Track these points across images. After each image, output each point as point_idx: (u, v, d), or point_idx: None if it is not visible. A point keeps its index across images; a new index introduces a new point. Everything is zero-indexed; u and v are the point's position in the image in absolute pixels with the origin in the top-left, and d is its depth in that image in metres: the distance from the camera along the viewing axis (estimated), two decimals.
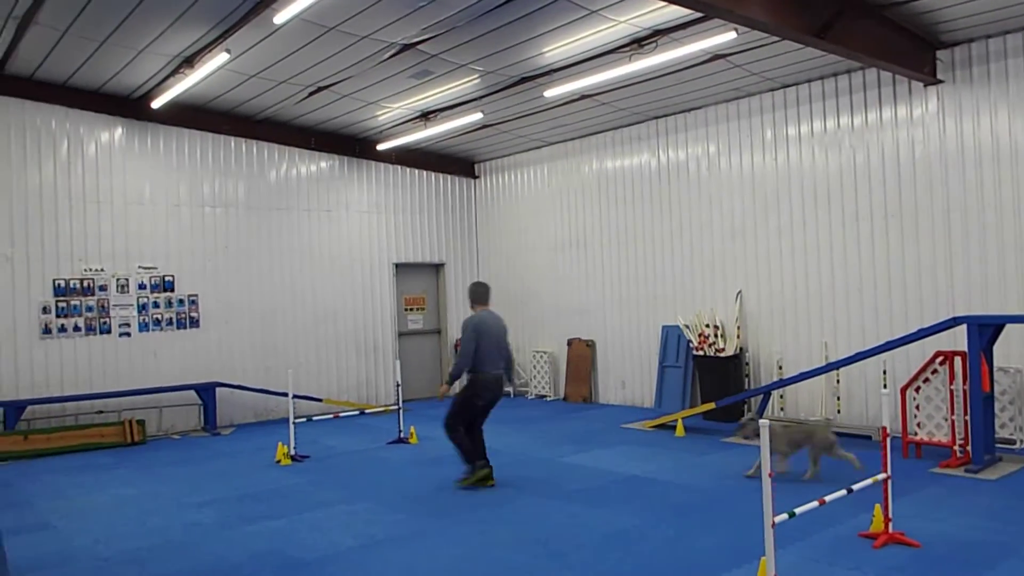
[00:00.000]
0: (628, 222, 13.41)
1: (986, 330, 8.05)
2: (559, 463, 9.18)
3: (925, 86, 9.86)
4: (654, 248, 12.99)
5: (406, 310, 15.44)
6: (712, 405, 10.52)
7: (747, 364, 11.61)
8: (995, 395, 8.76)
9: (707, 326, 11.67)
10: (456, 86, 11.26)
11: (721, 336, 11.58)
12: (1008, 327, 8.37)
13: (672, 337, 12.36)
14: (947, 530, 6.11)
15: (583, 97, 11.78)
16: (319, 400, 13.03)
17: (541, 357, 14.82)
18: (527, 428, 11.63)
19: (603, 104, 12.15)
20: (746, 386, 11.48)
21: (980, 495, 7.14)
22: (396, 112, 12.56)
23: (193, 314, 12.54)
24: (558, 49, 9.85)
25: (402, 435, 10.84)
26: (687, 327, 11.97)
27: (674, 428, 10.74)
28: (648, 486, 7.94)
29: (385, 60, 10.12)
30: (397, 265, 15.12)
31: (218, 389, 12.27)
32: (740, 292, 11.67)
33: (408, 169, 15.32)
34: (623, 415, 12.37)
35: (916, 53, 9.44)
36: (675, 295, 12.65)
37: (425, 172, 15.58)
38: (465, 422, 8.22)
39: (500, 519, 6.94)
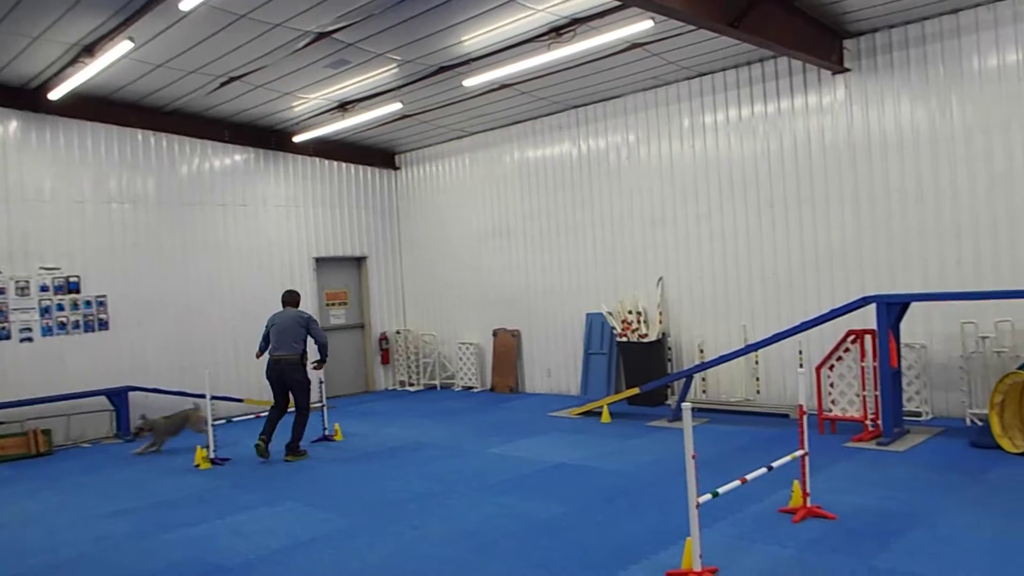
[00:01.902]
0: (551, 211, 13.46)
1: (893, 309, 8.38)
2: (487, 454, 9.16)
3: (833, 74, 10.17)
4: (576, 236, 13.08)
5: (328, 305, 15.17)
6: (636, 390, 10.67)
7: (670, 349, 11.82)
8: (902, 370, 9.14)
9: (630, 312, 11.81)
10: (374, 76, 11.08)
11: (644, 322, 11.75)
12: (913, 305, 8.73)
13: (596, 324, 12.47)
14: (861, 502, 6.33)
15: (503, 86, 11.75)
16: (240, 400, 12.68)
17: (467, 348, 14.77)
18: (454, 420, 11.58)
19: (523, 93, 12.14)
20: (669, 370, 11.69)
21: (890, 467, 7.43)
22: (313, 103, 12.28)
23: (102, 316, 12.02)
24: (477, 38, 9.78)
25: (327, 432, 10.65)
26: (610, 314, 12.10)
27: (600, 414, 10.85)
28: (576, 473, 7.99)
29: (299, 49, 9.87)
30: (318, 259, 14.83)
31: (131, 393, 11.80)
32: (661, 278, 11.85)
33: (327, 161, 15.03)
34: (550, 403, 12.44)
35: (824, 42, 9.72)
36: (598, 283, 12.77)
37: (345, 164, 15.31)
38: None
39: (430, 513, 6.88)
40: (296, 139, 13.86)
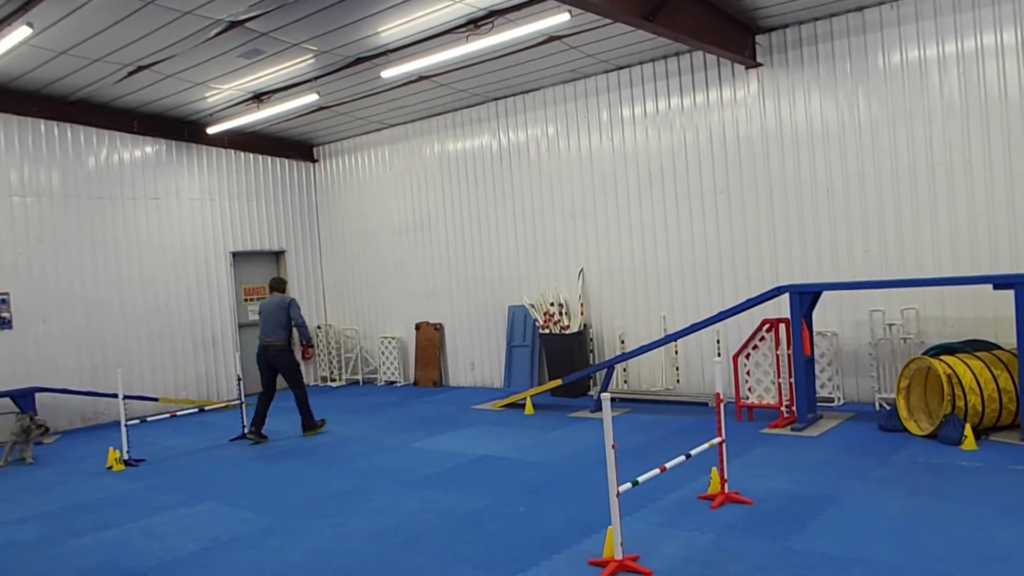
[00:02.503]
0: (472, 204, 13.42)
1: (806, 298, 8.64)
2: (410, 448, 9.09)
3: (747, 69, 10.41)
4: (498, 229, 13.08)
5: (246, 300, 14.78)
6: (559, 381, 10.74)
7: (591, 340, 11.95)
8: (815, 358, 9.45)
9: (552, 304, 11.89)
10: (289, 66, 10.82)
11: (566, 314, 11.84)
12: (825, 294, 9.02)
13: (519, 317, 12.51)
14: (776, 486, 6.52)
15: (422, 78, 11.64)
16: (154, 399, 12.27)
17: (389, 343, 14.62)
18: (377, 415, 11.45)
19: (442, 85, 12.05)
20: (591, 361, 11.81)
21: (804, 451, 7.67)
22: (227, 93, 11.92)
23: (4, 314, 11.44)
24: (394, 29, 9.66)
25: (246, 430, 10.39)
26: (532, 306, 12.15)
27: (523, 406, 10.88)
28: (499, 465, 8.00)
29: (212, 38, 9.55)
30: (235, 254, 14.44)
31: (38, 394, 11.27)
32: (582, 270, 11.95)
33: (242, 153, 14.63)
34: (473, 396, 12.43)
35: (738, 37, 9.94)
36: (520, 275, 12.81)
37: (261, 156, 14.94)
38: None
39: (353, 509, 6.78)
40: (210, 130, 13.44)
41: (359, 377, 15.15)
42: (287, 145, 15.28)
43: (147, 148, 13.25)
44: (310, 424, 10.33)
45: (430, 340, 14.04)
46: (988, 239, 8.88)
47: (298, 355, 10.78)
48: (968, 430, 7.30)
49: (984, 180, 8.90)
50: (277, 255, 15.32)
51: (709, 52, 9.89)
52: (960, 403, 7.45)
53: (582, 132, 12.03)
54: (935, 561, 4.79)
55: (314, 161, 15.85)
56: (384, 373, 14.75)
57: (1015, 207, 8.74)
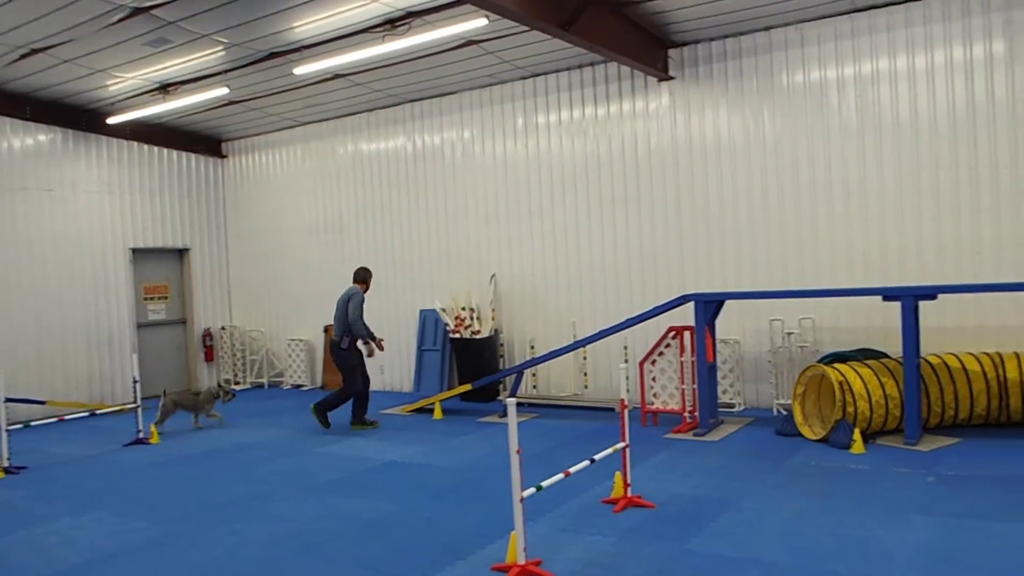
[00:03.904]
0: (385, 206, 13.28)
1: (710, 306, 8.87)
2: (315, 454, 8.90)
3: (659, 81, 10.64)
4: (411, 232, 12.98)
5: (146, 299, 14.22)
6: (468, 386, 10.72)
7: (502, 345, 11.97)
8: (718, 365, 9.70)
9: (463, 309, 11.85)
10: (198, 58, 10.47)
11: (477, 318, 11.82)
12: (728, 303, 9.28)
13: (430, 321, 12.42)
14: (678, 490, 6.65)
15: (337, 76, 11.45)
16: (41, 403, 11.63)
17: (297, 345, 14.30)
18: (281, 420, 11.18)
19: (358, 85, 11.89)
20: (500, 366, 11.82)
21: (706, 455, 7.86)
22: (130, 83, 11.45)
23: None
24: (309, 25, 9.47)
25: (141, 435, 9.97)
26: (444, 310, 12.09)
27: (432, 411, 10.81)
28: (406, 471, 7.91)
29: (113, 24, 9.15)
30: (134, 250, 13.87)
31: None
32: (494, 275, 11.97)
33: (146, 146, 14.08)
34: (382, 400, 12.26)
35: (651, 50, 10.14)
36: (432, 279, 12.74)
37: (166, 150, 14.41)
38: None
39: (252, 516, 6.58)
40: (111, 120, 12.87)
41: (264, 380, 14.77)
42: (194, 139, 14.79)
43: (41, 136, 12.60)
44: (359, 420, 10.24)
45: None
46: (879, 253, 9.32)
47: (370, 349, 10.31)
48: (857, 434, 7.62)
49: (876, 197, 9.34)
50: (181, 253, 14.80)
51: (623, 63, 10.06)
52: (850, 409, 7.77)
53: (497, 137, 12.06)
54: (824, 560, 4.97)
55: (223, 157, 15.39)
56: (291, 376, 14.42)
57: (904, 223, 9.19)
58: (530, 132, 11.75)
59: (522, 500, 4.87)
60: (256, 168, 15.04)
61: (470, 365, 11.64)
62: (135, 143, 13.86)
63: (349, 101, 12.80)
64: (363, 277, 10.48)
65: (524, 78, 11.71)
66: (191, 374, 14.85)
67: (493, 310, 11.87)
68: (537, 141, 11.69)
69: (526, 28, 9.32)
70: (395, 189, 13.17)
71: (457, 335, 11.82)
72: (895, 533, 5.38)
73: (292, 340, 14.37)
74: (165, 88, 11.70)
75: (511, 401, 4.84)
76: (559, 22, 8.36)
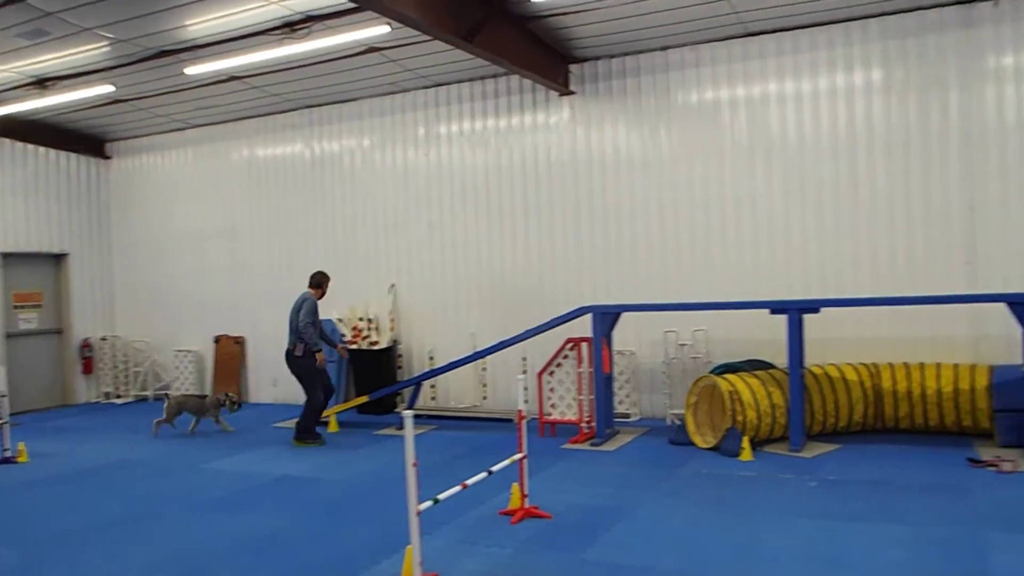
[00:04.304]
0: (281, 212, 12.94)
1: (607, 318, 9.00)
2: (201, 470, 8.53)
3: (560, 96, 10.78)
4: (307, 240, 12.69)
5: (16, 308, 13.34)
6: (365, 398, 10.54)
7: (400, 356, 11.82)
8: (615, 375, 9.86)
9: (361, 319, 11.65)
10: (80, 52, 9.93)
11: (375, 329, 11.64)
12: (625, 314, 9.44)
13: (327, 331, 12.12)
14: (574, 500, 6.70)
15: (232, 78, 11.10)
16: None
17: (185, 356, 13.73)
18: (167, 435, 10.65)
19: (254, 88, 11.56)
20: (398, 378, 11.67)
21: (602, 465, 7.95)
22: (2, 75, 10.76)
23: None
24: (202, 24, 9.14)
25: (8, 454, 9.32)
26: (341, 320, 11.85)
27: (327, 424, 10.55)
28: (298, 486, 7.68)
29: None
30: (5, 255, 13.02)
31: None
32: (394, 285, 11.83)
33: (19, 143, 13.26)
34: (275, 414, 11.91)
35: (553, 65, 10.27)
36: (329, 288, 12.42)
37: (42, 148, 13.61)
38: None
39: (132, 538, 6.23)
40: None
41: (149, 393, 14.10)
42: (75, 138, 14.04)
43: None
44: (304, 433, 9.59)
45: (230, 354, 13.33)
46: (768, 268, 9.70)
47: (321, 358, 9.84)
48: (746, 442, 7.87)
49: (765, 214, 9.72)
50: (58, 258, 13.99)
51: (525, 76, 10.14)
52: (740, 418, 8.02)
53: (398, 146, 11.95)
54: (714, 566, 5.09)
55: (107, 158, 14.66)
56: (178, 389, 13.81)
57: (790, 239, 9.60)
58: (432, 142, 11.70)
59: (418, 513, 4.78)
60: (144, 171, 14.39)
61: (367, 377, 11.44)
62: (7, 140, 13.05)
63: (244, 104, 12.44)
64: (317, 282, 10.02)
65: (426, 87, 11.66)
66: (67, 387, 14.02)
67: (392, 321, 11.72)
68: (439, 151, 11.65)
69: (429, 37, 9.27)
70: (292, 196, 12.85)
71: (354, 346, 11.60)
72: (780, 537, 5.57)
73: (180, 351, 13.78)
74: (42, 83, 11.05)
75: (408, 413, 4.76)
76: (461, 33, 8.37)
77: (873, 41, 9.24)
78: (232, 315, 13.40)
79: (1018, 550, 5.13)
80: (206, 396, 10.94)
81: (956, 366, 8.42)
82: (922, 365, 8.59)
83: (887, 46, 9.19)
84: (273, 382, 12.99)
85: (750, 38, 9.76)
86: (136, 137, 14.30)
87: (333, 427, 10.45)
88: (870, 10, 9.10)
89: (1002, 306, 7.64)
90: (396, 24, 8.65)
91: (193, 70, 10.15)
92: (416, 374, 11.47)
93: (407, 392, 10.70)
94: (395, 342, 11.73)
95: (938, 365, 8.51)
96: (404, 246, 11.88)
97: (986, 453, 7.59)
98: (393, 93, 11.91)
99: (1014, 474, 6.95)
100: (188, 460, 9.00)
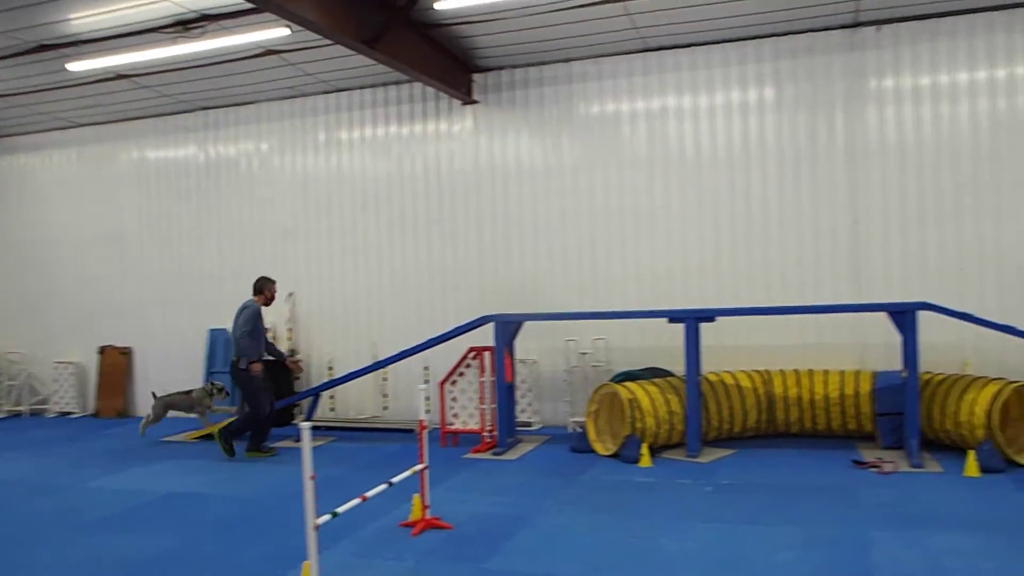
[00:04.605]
0: (173, 218, 12.44)
1: (509, 327, 9.02)
2: (84, 488, 8.05)
3: (463, 104, 10.77)
4: (201, 246, 12.24)
5: None
6: None
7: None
8: (516, 384, 9.86)
9: None
10: None
11: (272, 339, 11.29)
12: (526, 324, 9.47)
13: (220, 341, 11.74)
14: (476, 510, 6.65)
15: (120, 77, 10.62)
16: None
17: (65, 369, 12.98)
18: (45, 451, 10.04)
19: (145, 87, 11.09)
20: (296, 389, 11.35)
21: (503, 474, 7.94)
22: None
23: None
24: (87, 18, 8.70)
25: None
26: None
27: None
28: (189, 503, 7.35)
29: None
30: None
31: None
32: (292, 294, 11.53)
33: None
34: (164, 428, 11.33)
35: (456, 73, 10.25)
36: (224, 296, 11.97)
37: None
38: None
39: (5, 563, 5.81)
40: None
41: (24, 408, 13.25)
42: None
43: None
44: (254, 445, 9.22)
45: (116, 366, 12.70)
46: (666, 277, 9.93)
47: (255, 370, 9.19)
48: (645, 449, 8.01)
49: (663, 225, 9.96)
50: None
51: (428, 84, 10.09)
52: (639, 425, 8.16)
53: (298, 151, 11.68)
54: (614, 571, 5.14)
55: None
56: (57, 403, 13.05)
57: (687, 250, 9.87)
58: (332, 148, 11.48)
59: (316, 528, 4.64)
60: (21, 172, 13.57)
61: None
62: None
63: (134, 104, 11.91)
64: (259, 287, 9.48)
65: (327, 92, 11.44)
66: None
67: (290, 330, 11.41)
68: (339, 157, 11.44)
69: (330, 42, 9.11)
70: (184, 200, 12.37)
71: None
72: (677, 541, 5.67)
73: (60, 363, 13.03)
74: None
75: (305, 425, 4.62)
76: (364, 38, 8.25)
77: (766, 60, 9.61)
78: (118, 325, 12.76)
79: (898, 546, 5.38)
80: (191, 391, 10.53)
81: (842, 372, 8.82)
82: (811, 372, 8.96)
83: (779, 66, 9.57)
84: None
85: (650, 53, 10.00)
86: (14, 135, 13.48)
87: None
88: (763, 31, 9.46)
89: (883, 315, 8.05)
90: (296, 27, 8.45)
91: (76, 66, 9.65)
92: (315, 384, 11.20)
93: (305, 404, 10.44)
94: (293, 351, 11.42)
95: (825, 372, 8.89)
96: (303, 254, 11.60)
97: (869, 455, 7.96)
98: (292, 97, 11.64)
99: (894, 474, 7.31)
100: (71, 478, 8.49)
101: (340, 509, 5.04)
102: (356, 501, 5.26)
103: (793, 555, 5.30)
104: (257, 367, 9.11)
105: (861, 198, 9.34)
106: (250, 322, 9.16)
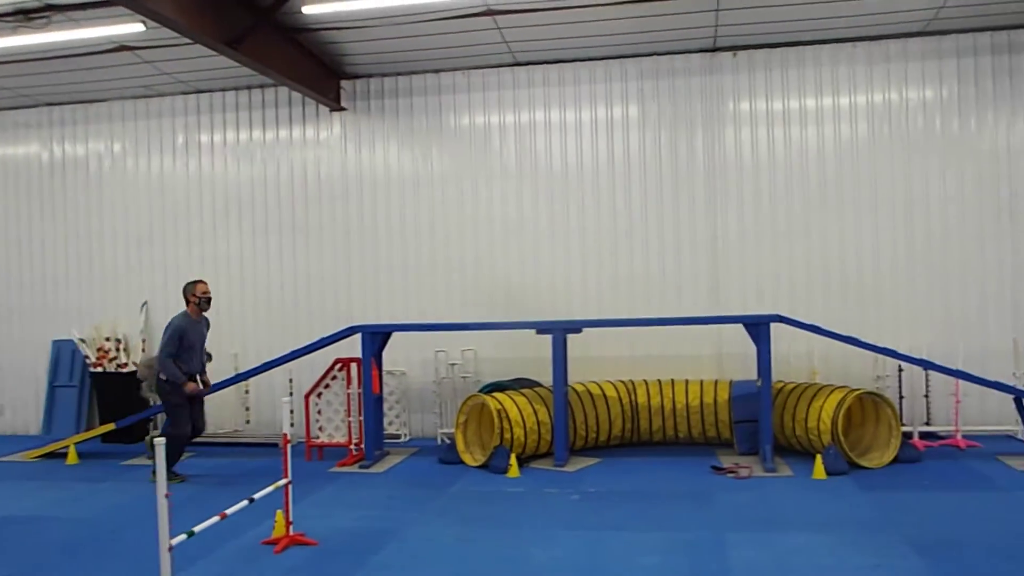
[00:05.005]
0: (10, 220, 11.57)
1: (376, 338, 8.88)
2: None
3: (331, 111, 10.57)
4: (44, 251, 11.42)
5: None
6: (112, 426, 9.60)
7: None
8: (384, 396, 9.73)
9: (108, 340, 10.65)
10: None
11: (124, 350, 10.69)
12: (395, 334, 9.36)
13: (65, 353, 10.98)
14: (342, 524, 6.49)
15: None
16: None
17: None
18: None
19: None
20: (151, 403, 10.75)
21: (371, 488, 7.79)
22: None
23: None
24: None
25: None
26: (83, 341, 10.75)
27: (66, 456, 9.48)
28: (28, 526, 6.81)
29: None
30: None
31: None
32: (146, 303, 10.94)
33: None
34: (1, 446, 10.52)
35: (324, 79, 10.05)
36: (70, 305, 11.27)
37: None
38: None
39: None
40: None
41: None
42: None
43: None
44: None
45: None
46: (534, 288, 10.09)
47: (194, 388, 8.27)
48: (513, 459, 8.07)
49: (532, 237, 10.12)
50: None
51: (295, 90, 9.84)
52: (508, 435, 8.21)
53: (154, 153, 11.12)
54: None
55: None
56: None
57: (555, 262, 10.07)
58: (192, 151, 11.00)
59: (171, 548, 4.40)
60: None
61: (114, 402, 10.45)
62: None
63: None
64: (185, 296, 8.41)
65: (187, 93, 10.95)
66: None
67: (143, 341, 10.81)
68: (199, 161, 10.97)
69: (189, 41, 8.72)
70: (24, 202, 11.51)
71: (99, 369, 10.57)
72: (545, 550, 5.73)
73: None
74: None
75: (160, 441, 4.37)
76: (226, 39, 7.96)
77: (631, 79, 9.96)
78: None
79: (753, 547, 5.65)
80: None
81: (702, 381, 9.20)
82: (672, 381, 9.30)
83: (643, 85, 9.94)
84: (0, 410, 11.51)
85: (519, 67, 10.15)
86: None
87: (72, 459, 9.40)
88: (629, 51, 9.80)
89: (740, 327, 8.46)
90: (152, 23, 8.04)
91: None
92: None
93: (160, 418, 9.90)
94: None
95: (686, 381, 9.25)
96: (160, 261, 11.03)
97: (727, 461, 8.33)
98: (148, 96, 11.07)
99: (749, 479, 7.68)
100: None
101: (197, 528, 4.81)
102: (215, 519, 5.03)
103: (655, 559, 5.46)
104: (192, 387, 8.17)
105: (719, 215, 9.81)
106: (170, 343, 8.11)
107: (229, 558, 5.72)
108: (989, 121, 9.41)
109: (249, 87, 10.77)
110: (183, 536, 4.59)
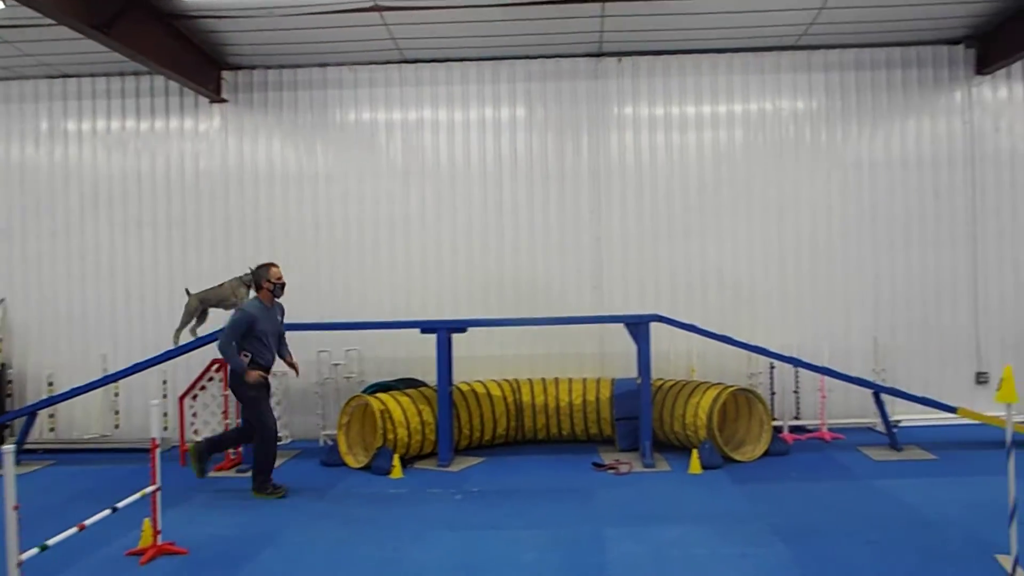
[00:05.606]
0: None
1: None
2: None
3: (211, 102, 10.19)
4: None
5: None
6: None
7: (10, 382, 10.20)
8: None
9: None
10: None
11: None
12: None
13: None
14: (216, 531, 6.25)
15: None
16: None
17: None
18: None
19: None
20: (8, 407, 10.08)
21: (249, 492, 7.50)
22: None
23: None
24: None
25: None
26: None
27: None
28: None
29: None
30: None
31: None
32: (3, 300, 10.23)
33: None
34: None
35: (203, 69, 9.68)
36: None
37: None
38: None
39: None
40: None
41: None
42: None
43: None
44: (261, 484, 7.31)
45: None
46: (420, 288, 10.02)
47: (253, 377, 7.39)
48: (396, 460, 7.98)
49: (418, 235, 10.07)
50: None
51: (171, 78, 9.43)
52: (391, 436, 8.12)
53: (13, 140, 10.42)
54: None
55: None
56: None
57: (441, 261, 10.04)
58: (57, 138, 10.37)
59: (20, 564, 4.11)
60: None
61: None
62: None
63: None
64: (257, 280, 7.67)
65: (52, 77, 10.32)
66: None
67: (0, 341, 10.11)
68: (66, 149, 10.36)
69: (53, 22, 8.21)
70: None
71: None
72: (426, 550, 5.69)
73: None
74: None
75: (7, 448, 4.09)
76: (94, 22, 7.54)
77: (519, 81, 10.03)
78: None
79: (630, 540, 5.78)
80: (222, 284, 8.95)
81: (585, 380, 9.36)
82: (556, 380, 9.42)
83: (530, 87, 10.03)
84: None
85: (407, 65, 10.06)
86: None
87: None
88: (517, 52, 9.87)
89: (622, 326, 8.65)
90: (12, 1, 7.52)
91: None
92: (30, 402, 9.98)
93: (17, 423, 9.29)
94: (3, 365, 10.12)
95: (570, 380, 9.39)
96: (19, 255, 10.34)
97: (608, 457, 8.49)
98: (8, 79, 10.36)
99: (629, 474, 7.86)
100: None
101: (51, 541, 4.52)
102: (72, 531, 4.74)
103: (535, 556, 5.51)
104: (254, 375, 7.31)
105: (603, 216, 10.01)
106: (232, 329, 7.33)
107: (91, 570, 5.42)
108: (853, 132, 9.98)
109: (122, 73, 10.25)
110: (35, 550, 4.30)
